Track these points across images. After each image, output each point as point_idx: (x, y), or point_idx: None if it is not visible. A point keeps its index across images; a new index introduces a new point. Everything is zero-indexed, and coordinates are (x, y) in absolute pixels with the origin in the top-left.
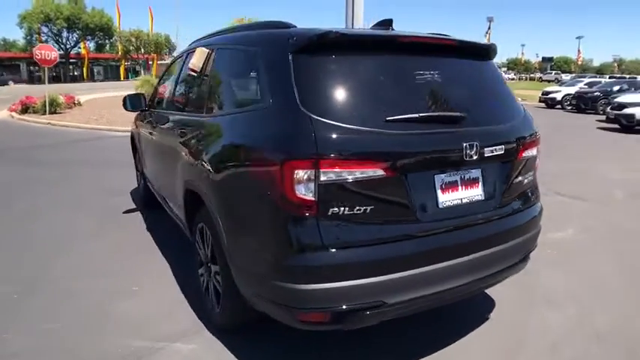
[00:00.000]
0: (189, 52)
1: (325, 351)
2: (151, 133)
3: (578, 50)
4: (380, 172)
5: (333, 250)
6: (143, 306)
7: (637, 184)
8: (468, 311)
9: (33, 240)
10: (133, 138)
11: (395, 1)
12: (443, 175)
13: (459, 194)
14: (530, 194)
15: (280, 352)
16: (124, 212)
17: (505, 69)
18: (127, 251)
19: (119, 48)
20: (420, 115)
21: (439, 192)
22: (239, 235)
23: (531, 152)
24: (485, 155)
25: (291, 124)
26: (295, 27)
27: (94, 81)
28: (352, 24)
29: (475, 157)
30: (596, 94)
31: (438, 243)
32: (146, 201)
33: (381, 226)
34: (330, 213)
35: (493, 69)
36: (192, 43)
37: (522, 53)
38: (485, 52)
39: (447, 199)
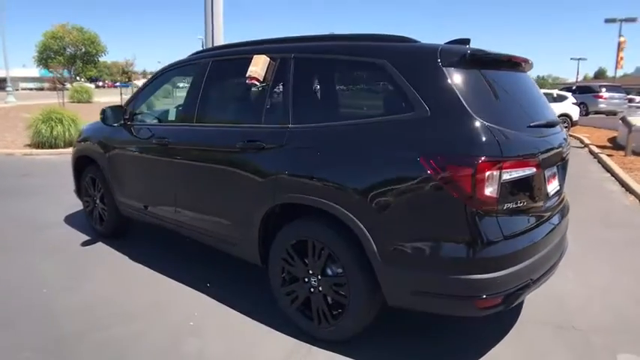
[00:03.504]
0: (216, 61)
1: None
2: (151, 151)
3: None
4: (534, 170)
5: (508, 240)
6: (220, 340)
7: None
8: None
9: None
10: (80, 160)
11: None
12: (546, 170)
13: (552, 186)
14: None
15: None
16: (83, 245)
17: None
18: (134, 287)
19: None
20: (547, 121)
21: (547, 184)
22: (403, 239)
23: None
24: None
25: (474, 131)
26: (418, 41)
27: None
28: (212, 35)
29: (566, 155)
30: None
31: (551, 226)
32: (112, 229)
33: (529, 215)
34: (505, 207)
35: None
36: (196, 52)
37: None
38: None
39: (550, 189)
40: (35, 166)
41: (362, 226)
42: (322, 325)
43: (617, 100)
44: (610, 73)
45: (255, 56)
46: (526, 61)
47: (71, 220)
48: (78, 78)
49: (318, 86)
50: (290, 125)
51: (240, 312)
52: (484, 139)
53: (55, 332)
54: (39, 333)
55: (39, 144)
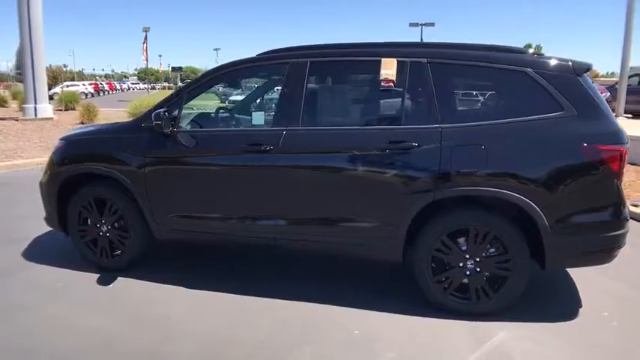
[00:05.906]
0: (318, 62)
1: None
2: (240, 160)
3: (216, 61)
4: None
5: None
6: (407, 343)
7: None
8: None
9: None
10: (70, 181)
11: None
12: None
13: None
14: None
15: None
16: (102, 284)
17: (136, 78)
18: (240, 315)
19: None
20: None
21: None
22: (569, 212)
23: None
24: None
25: (613, 125)
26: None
27: None
28: (31, 48)
29: None
30: None
31: None
32: (131, 260)
33: None
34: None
35: None
36: (267, 53)
37: (160, 64)
38: None
39: None
40: None
41: (535, 206)
42: (482, 301)
43: None
44: None
45: (384, 60)
46: None
47: (35, 257)
48: None
49: (464, 90)
50: (442, 125)
51: (390, 312)
52: (619, 130)
53: None
54: None
55: None
